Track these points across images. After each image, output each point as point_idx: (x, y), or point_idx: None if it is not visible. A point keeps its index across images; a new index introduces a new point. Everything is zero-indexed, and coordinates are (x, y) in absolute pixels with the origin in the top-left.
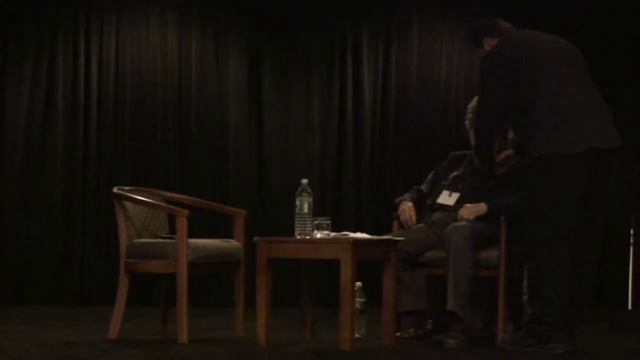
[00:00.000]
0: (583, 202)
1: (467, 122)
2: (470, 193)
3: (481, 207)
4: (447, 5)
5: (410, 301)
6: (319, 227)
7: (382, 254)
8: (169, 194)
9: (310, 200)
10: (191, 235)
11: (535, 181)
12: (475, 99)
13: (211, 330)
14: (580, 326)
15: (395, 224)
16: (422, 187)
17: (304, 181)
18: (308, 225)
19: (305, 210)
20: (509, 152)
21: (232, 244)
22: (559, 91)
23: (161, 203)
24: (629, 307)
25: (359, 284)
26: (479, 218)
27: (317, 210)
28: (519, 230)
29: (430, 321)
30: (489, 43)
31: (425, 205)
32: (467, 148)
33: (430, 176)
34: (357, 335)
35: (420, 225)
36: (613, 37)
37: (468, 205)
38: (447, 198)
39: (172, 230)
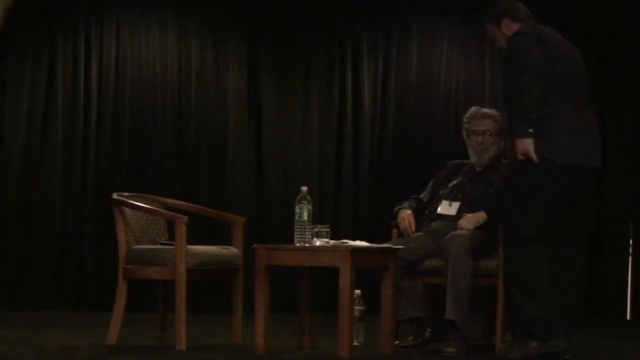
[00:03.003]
0: (564, 213)
1: (464, 133)
2: (470, 203)
3: (481, 216)
4: (446, 13)
5: (409, 309)
6: (318, 235)
7: (381, 262)
8: (168, 201)
9: (310, 207)
10: (190, 241)
11: (513, 178)
12: (473, 109)
13: (209, 337)
14: (573, 332)
15: (395, 232)
16: (422, 195)
17: (304, 189)
18: (307, 233)
19: (305, 217)
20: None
21: (231, 250)
22: (566, 100)
23: (160, 209)
24: (628, 317)
25: (357, 292)
26: (479, 227)
27: (316, 217)
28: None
29: (428, 330)
30: (508, 26)
31: (424, 214)
32: (467, 156)
33: (429, 185)
34: (355, 343)
35: (420, 234)
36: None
37: (468, 215)
38: (447, 208)
39: (171, 237)
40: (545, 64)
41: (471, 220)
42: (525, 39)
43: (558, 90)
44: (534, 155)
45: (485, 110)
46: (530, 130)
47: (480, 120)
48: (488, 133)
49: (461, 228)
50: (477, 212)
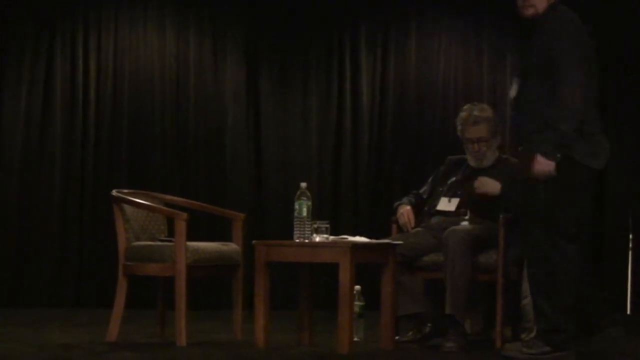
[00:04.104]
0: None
1: (458, 132)
2: (469, 200)
3: (496, 187)
4: (445, 9)
5: (409, 305)
6: (317, 231)
7: (380, 257)
8: (168, 197)
9: (309, 203)
10: (190, 238)
11: (545, 181)
12: (464, 112)
13: (209, 333)
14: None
15: (394, 227)
16: (421, 191)
17: (303, 185)
18: (307, 229)
19: (304, 213)
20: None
21: (230, 247)
22: (596, 101)
23: (160, 206)
24: (628, 311)
25: (357, 287)
26: (478, 221)
27: (315, 213)
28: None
29: (428, 325)
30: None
31: (423, 210)
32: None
33: (429, 180)
34: (355, 339)
35: (419, 229)
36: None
37: (487, 180)
38: (447, 204)
39: (171, 233)
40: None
41: (489, 184)
42: (577, 18)
43: (594, 90)
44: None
45: (477, 113)
46: (559, 155)
47: (473, 127)
48: (483, 140)
49: (478, 187)
50: (476, 208)
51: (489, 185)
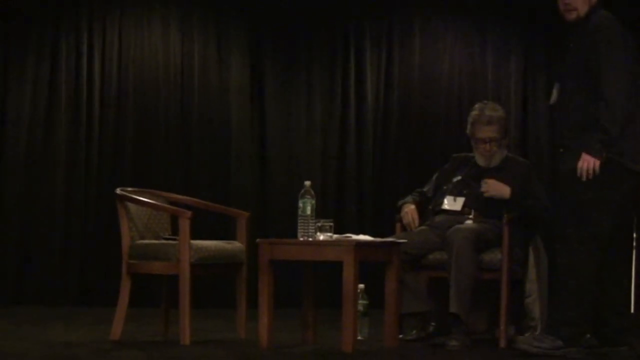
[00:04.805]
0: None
1: (468, 131)
2: (475, 200)
3: (505, 191)
4: (449, 8)
5: (413, 303)
6: (321, 229)
7: (384, 256)
8: (172, 195)
9: (313, 202)
10: (194, 236)
11: (586, 182)
12: (476, 110)
13: (213, 331)
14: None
15: (398, 226)
16: (425, 189)
17: (307, 183)
18: (311, 227)
19: (308, 212)
20: None
21: (234, 245)
22: (637, 102)
23: (164, 204)
24: (632, 310)
25: (361, 286)
26: (483, 220)
27: (319, 212)
28: (555, 229)
29: (432, 323)
30: None
31: (428, 209)
32: (470, 150)
33: (433, 178)
34: (359, 338)
35: (423, 227)
36: None
37: (496, 183)
38: (452, 203)
39: (175, 232)
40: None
41: (497, 187)
42: (619, 24)
43: (638, 92)
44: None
45: (490, 113)
46: (605, 155)
47: (485, 127)
48: (495, 140)
49: (486, 189)
50: (481, 208)
51: (498, 190)
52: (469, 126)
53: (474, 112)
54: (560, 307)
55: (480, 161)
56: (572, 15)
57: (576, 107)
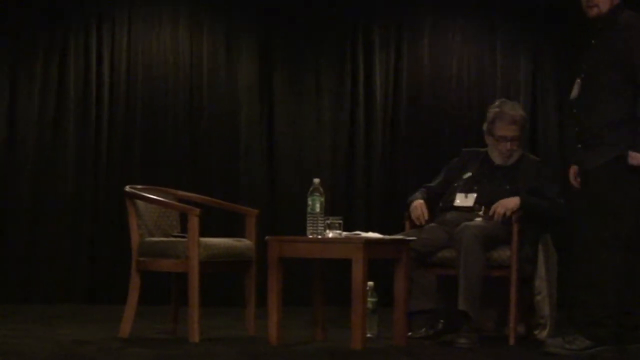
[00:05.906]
0: None
1: (485, 126)
2: (487, 195)
3: (515, 203)
4: (458, 7)
5: (422, 301)
6: (330, 227)
7: (393, 253)
8: (181, 193)
9: (322, 199)
10: (203, 234)
11: (614, 180)
12: (498, 107)
13: (222, 329)
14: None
15: (407, 223)
16: (433, 184)
17: (316, 180)
18: (320, 225)
19: (317, 209)
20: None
21: (243, 243)
22: None
23: (173, 202)
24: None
25: (370, 283)
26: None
27: (328, 209)
28: (577, 229)
29: (441, 321)
30: None
31: (437, 205)
32: (479, 146)
33: (442, 173)
34: (368, 335)
35: (433, 224)
36: None
37: (502, 200)
38: (464, 200)
39: (184, 229)
40: None
41: (508, 206)
42: None
43: None
44: None
45: (513, 112)
46: None
47: (509, 126)
48: (516, 139)
49: (498, 214)
50: (492, 204)
51: (506, 206)
52: (487, 123)
53: (495, 110)
54: (588, 308)
55: (497, 159)
56: (594, 12)
57: (603, 101)
